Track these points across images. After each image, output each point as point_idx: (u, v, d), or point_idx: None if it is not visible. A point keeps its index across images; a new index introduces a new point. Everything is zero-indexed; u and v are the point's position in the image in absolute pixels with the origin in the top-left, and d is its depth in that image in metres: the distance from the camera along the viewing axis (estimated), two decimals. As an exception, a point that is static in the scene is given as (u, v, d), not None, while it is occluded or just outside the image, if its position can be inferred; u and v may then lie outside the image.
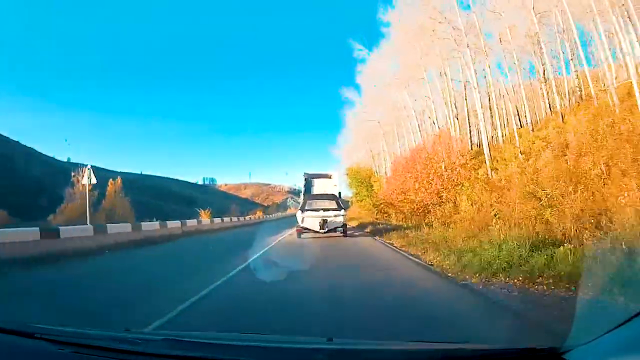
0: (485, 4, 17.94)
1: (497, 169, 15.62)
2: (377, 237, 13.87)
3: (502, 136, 19.29)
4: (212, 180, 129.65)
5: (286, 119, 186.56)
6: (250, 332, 2.32)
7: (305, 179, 17.34)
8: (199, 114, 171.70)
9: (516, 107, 22.46)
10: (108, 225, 11.70)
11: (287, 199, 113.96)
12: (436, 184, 15.34)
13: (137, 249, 11.98)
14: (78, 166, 44.08)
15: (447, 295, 4.79)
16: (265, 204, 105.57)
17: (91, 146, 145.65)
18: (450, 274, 5.75)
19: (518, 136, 16.01)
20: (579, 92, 20.03)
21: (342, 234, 14.28)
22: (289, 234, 16.42)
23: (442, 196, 15.53)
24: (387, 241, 11.83)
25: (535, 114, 25.38)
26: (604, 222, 6.28)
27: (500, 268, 5.03)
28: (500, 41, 20.46)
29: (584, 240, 5.65)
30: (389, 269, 6.99)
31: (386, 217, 19.01)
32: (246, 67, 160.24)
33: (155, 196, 76.84)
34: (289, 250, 11.10)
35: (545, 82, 20.65)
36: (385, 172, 30.87)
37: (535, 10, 18.53)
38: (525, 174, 13.68)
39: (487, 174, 15.58)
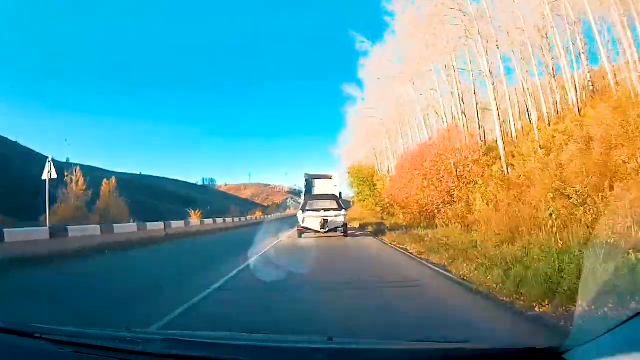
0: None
1: (514, 165, 14.27)
2: (385, 240, 12.35)
3: (515, 131, 17.91)
4: (212, 180, 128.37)
5: (286, 120, 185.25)
6: (250, 332, 2.21)
7: (306, 180, 17.21)
8: (199, 115, 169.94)
9: (525, 102, 21.41)
10: (70, 227, 9.73)
11: (287, 199, 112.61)
12: (447, 182, 13.95)
13: (96, 256, 9.56)
14: (72, 166, 43.04)
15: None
16: (265, 204, 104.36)
17: (92, 147, 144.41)
18: (503, 298, 4.03)
19: (535, 130, 14.57)
20: (590, 87, 18.98)
21: (342, 234, 14.14)
22: (287, 236, 15.01)
23: (453, 195, 14.16)
24: (399, 245, 10.25)
25: (544, 109, 24.24)
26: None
27: (576, 289, 3.51)
28: (508, 34, 19.32)
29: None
30: (413, 286, 5.25)
31: (392, 217, 17.62)
32: (246, 67, 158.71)
33: (153, 196, 75.70)
34: (279, 264, 7.46)
35: (554, 77, 19.76)
36: (388, 171, 29.50)
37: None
38: (548, 170, 12.35)
39: (503, 171, 14.21)
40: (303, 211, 14.21)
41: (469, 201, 13.98)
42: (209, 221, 21.31)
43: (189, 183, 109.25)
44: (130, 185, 75.81)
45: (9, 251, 8.08)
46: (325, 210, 14.07)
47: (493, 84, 15.29)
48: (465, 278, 5.17)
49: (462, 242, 7.78)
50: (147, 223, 13.99)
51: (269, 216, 48.40)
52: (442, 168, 14.16)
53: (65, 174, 40.49)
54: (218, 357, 1.47)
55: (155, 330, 3.15)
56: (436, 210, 14.40)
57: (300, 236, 13.88)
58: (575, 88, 18.61)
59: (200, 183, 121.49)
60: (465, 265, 5.57)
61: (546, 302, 3.44)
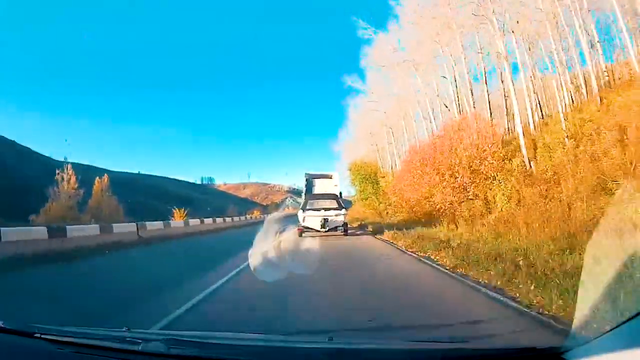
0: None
1: (536, 158, 12.65)
2: (400, 246, 10.01)
3: (532, 123, 16.26)
4: (211, 179, 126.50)
5: (286, 118, 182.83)
6: (250, 332, 2.20)
7: (306, 179, 17.15)
8: (197, 115, 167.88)
9: (535, 94, 19.98)
10: (3, 229, 7.90)
11: (286, 198, 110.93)
12: (463, 177, 12.31)
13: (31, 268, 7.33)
14: (64, 164, 41.38)
15: None
16: (264, 204, 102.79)
17: (92, 147, 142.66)
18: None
19: (561, 119, 12.92)
20: (606, 77, 17.49)
21: (343, 233, 14.06)
22: (281, 240, 13.29)
23: (468, 192, 12.53)
24: (420, 253, 8.02)
25: (558, 101, 22.78)
26: None
27: None
28: (518, 22, 17.80)
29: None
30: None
31: (398, 216, 15.94)
32: (244, 65, 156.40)
33: (152, 196, 74.31)
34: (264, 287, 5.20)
35: (565, 68, 18.43)
36: (391, 168, 27.82)
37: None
38: (581, 162, 10.73)
39: (525, 165, 12.58)
40: (303, 210, 14.06)
41: (487, 199, 12.37)
42: (194, 221, 18.97)
43: (188, 182, 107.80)
44: (129, 184, 74.55)
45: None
46: (326, 209, 13.98)
47: (510, 68, 13.62)
48: (549, 312, 3.31)
49: (502, 249, 6.08)
50: (114, 224, 11.99)
51: (267, 215, 46.38)
52: (457, 162, 12.51)
53: (57, 172, 38.90)
54: (218, 357, 1.44)
55: (156, 330, 3.07)
56: (449, 209, 12.78)
57: (300, 235, 13.47)
58: (598, 77, 17.26)
59: (199, 182, 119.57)
60: (533, 287, 3.73)
61: None
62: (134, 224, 13.22)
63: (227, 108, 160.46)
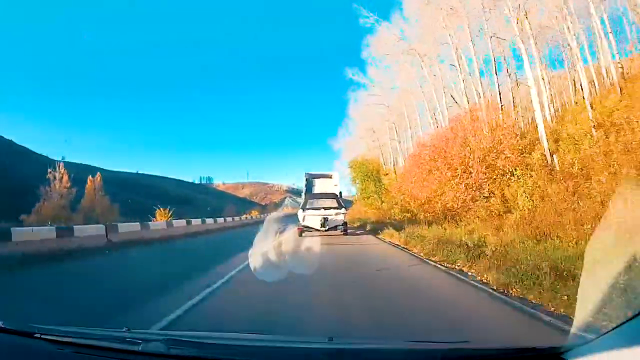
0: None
1: (558, 151, 11.38)
2: (417, 253, 8.28)
3: (549, 115, 15.00)
4: (210, 179, 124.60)
5: (285, 118, 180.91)
6: (250, 332, 2.16)
7: (306, 179, 17.06)
8: (195, 115, 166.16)
9: (550, 84, 18.81)
10: None
11: (285, 198, 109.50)
12: (478, 173, 11.02)
13: None
14: (55, 162, 40.05)
15: None
16: (263, 203, 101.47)
17: (91, 147, 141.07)
18: None
19: (587, 106, 11.62)
20: (620, 69, 16.32)
21: (342, 232, 13.98)
22: (281, 241, 11.93)
23: (483, 189, 11.25)
24: (447, 264, 6.39)
25: (562, 96, 21.65)
26: None
27: None
28: (527, 14, 16.61)
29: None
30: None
31: (404, 216, 14.61)
32: (242, 65, 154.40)
33: (149, 195, 72.71)
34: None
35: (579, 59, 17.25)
36: (394, 165, 26.51)
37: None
38: (614, 154, 9.47)
39: (545, 158, 11.31)
40: (303, 210, 13.99)
41: (504, 197, 11.09)
42: (179, 223, 16.95)
43: (187, 182, 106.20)
44: (127, 184, 73.27)
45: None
46: (326, 208, 13.93)
47: (527, 53, 12.33)
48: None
49: (555, 257, 4.67)
50: (76, 226, 10.28)
51: (267, 215, 44.92)
52: (471, 156, 11.22)
53: (49, 170, 37.56)
54: (218, 357, 1.43)
55: (155, 331, 2.95)
56: (462, 208, 11.50)
57: (300, 235, 13.19)
58: (607, 71, 16.15)
59: (197, 182, 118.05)
60: None
61: None
62: (102, 225, 11.39)
63: (225, 108, 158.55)
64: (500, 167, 11.25)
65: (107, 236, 10.65)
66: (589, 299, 1.72)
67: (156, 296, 4.60)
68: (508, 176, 11.37)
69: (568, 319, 2.97)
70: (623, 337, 1.07)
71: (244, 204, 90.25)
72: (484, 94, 15.60)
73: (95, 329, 1.76)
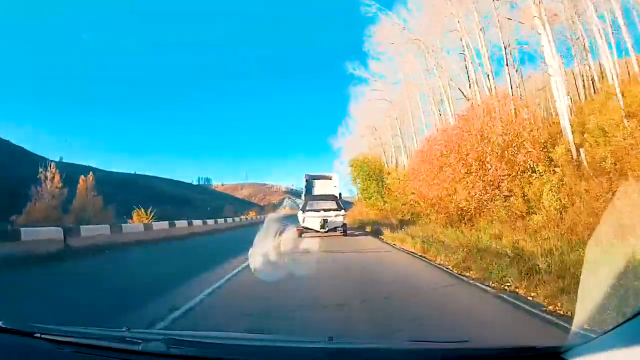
0: None
1: (584, 145, 10.11)
2: (442, 264, 6.53)
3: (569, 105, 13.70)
4: (208, 180, 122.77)
5: (284, 119, 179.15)
6: (250, 332, 2.14)
7: (306, 180, 17.03)
8: (193, 115, 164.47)
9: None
10: None
11: (284, 199, 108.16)
12: (496, 169, 9.75)
13: None
14: (47, 161, 38.73)
15: None
16: (262, 204, 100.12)
17: (91, 148, 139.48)
18: None
19: (617, 92, 10.34)
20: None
21: (342, 234, 13.86)
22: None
23: (501, 187, 9.98)
24: (493, 283, 4.66)
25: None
26: None
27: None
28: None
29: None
30: None
31: (408, 217, 13.31)
32: (243, 66, 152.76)
33: (147, 196, 71.32)
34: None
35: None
36: (396, 163, 25.20)
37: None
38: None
39: (571, 153, 10.04)
40: (303, 211, 13.96)
41: (525, 196, 9.82)
42: (161, 225, 14.91)
43: (185, 183, 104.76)
44: (125, 185, 71.90)
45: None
46: (325, 210, 13.81)
47: (548, 34, 11.06)
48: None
49: None
50: (24, 229, 8.89)
51: (266, 216, 43.36)
52: (488, 150, 9.95)
53: (40, 170, 36.18)
54: (218, 357, 1.41)
55: (156, 330, 2.94)
56: (477, 209, 10.23)
57: (300, 236, 12.95)
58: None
59: (195, 183, 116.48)
60: None
61: None
62: (60, 228, 9.66)
63: (223, 109, 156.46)
64: (521, 163, 9.99)
65: (65, 241, 9.10)
66: (589, 298, 1.67)
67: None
68: (529, 173, 10.11)
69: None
70: (623, 336, 1.04)
71: (243, 205, 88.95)
72: (495, 86, 14.32)
73: (95, 329, 1.70)
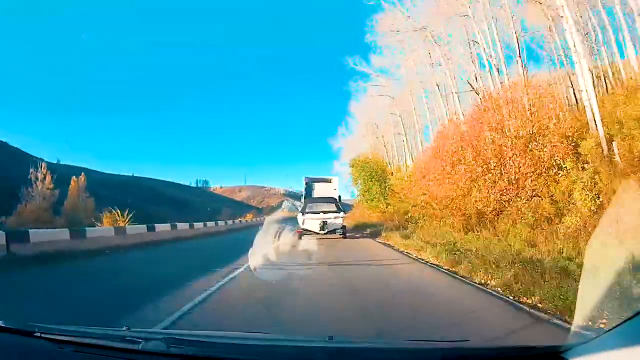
0: None
1: (615, 138, 8.93)
2: (488, 284, 4.76)
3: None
4: (206, 182, 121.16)
5: (282, 119, 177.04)
6: (250, 331, 2.04)
7: (306, 183, 16.98)
8: (191, 116, 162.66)
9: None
10: None
11: (282, 201, 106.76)
12: (519, 166, 8.55)
13: None
14: (38, 160, 37.55)
15: None
16: (260, 207, 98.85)
17: (89, 149, 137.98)
18: None
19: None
20: None
21: (341, 236, 13.79)
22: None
23: (525, 186, 8.78)
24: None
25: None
26: None
27: None
28: None
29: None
30: None
31: (416, 220, 12.06)
32: (240, 65, 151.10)
33: (144, 198, 70.05)
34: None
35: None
36: (398, 162, 23.99)
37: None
38: None
39: (601, 147, 8.85)
40: (303, 213, 13.95)
41: (552, 196, 8.61)
42: (137, 229, 13.03)
43: (183, 185, 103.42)
44: (123, 187, 70.55)
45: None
46: (325, 212, 13.79)
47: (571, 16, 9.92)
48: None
49: None
50: None
51: (261, 219, 41.95)
52: (509, 144, 8.75)
53: (31, 171, 34.93)
54: (218, 356, 1.40)
55: (156, 330, 2.81)
56: (495, 211, 9.02)
57: (300, 238, 13.08)
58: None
59: (194, 185, 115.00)
60: None
61: None
62: (2, 232, 8.21)
63: (222, 109, 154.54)
64: (547, 159, 8.79)
65: (8, 248, 7.65)
66: (588, 298, 1.65)
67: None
68: (555, 170, 8.92)
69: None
70: (623, 336, 1.05)
71: (241, 207, 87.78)
72: (508, 76, 13.16)
73: (96, 328, 1.66)
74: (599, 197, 7.69)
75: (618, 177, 7.94)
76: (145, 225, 14.12)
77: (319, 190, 16.72)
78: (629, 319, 1.06)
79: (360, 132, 27.21)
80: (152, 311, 3.92)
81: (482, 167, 8.91)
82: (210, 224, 22.37)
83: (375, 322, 3.52)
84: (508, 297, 4.05)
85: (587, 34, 17.28)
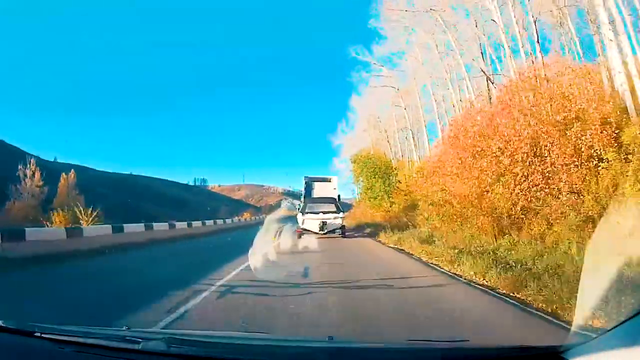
0: None
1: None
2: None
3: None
4: (204, 181, 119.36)
5: (282, 117, 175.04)
6: (250, 331, 2.08)
7: (305, 183, 16.87)
8: (189, 116, 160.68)
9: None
10: None
11: (281, 200, 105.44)
12: (557, 156, 7.23)
13: None
14: (27, 156, 36.14)
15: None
16: (259, 206, 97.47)
17: (87, 148, 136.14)
18: None
19: None
20: None
21: (341, 236, 13.78)
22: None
23: (561, 181, 7.45)
24: None
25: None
26: None
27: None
28: None
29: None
30: None
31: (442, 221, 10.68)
32: (238, 65, 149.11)
33: (142, 197, 68.77)
34: None
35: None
36: (401, 160, 22.66)
37: None
38: None
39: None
40: (303, 214, 13.93)
41: (597, 194, 7.28)
42: (103, 229, 10.73)
43: (181, 184, 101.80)
44: (120, 185, 69.08)
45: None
46: (324, 212, 13.78)
47: None
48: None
49: None
50: None
51: (259, 217, 40.58)
52: (543, 133, 7.41)
53: (19, 167, 33.44)
54: (218, 357, 1.39)
55: (156, 329, 2.84)
56: (523, 209, 7.69)
57: (299, 237, 12.75)
58: None
59: (192, 183, 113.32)
60: None
61: None
62: None
63: (220, 108, 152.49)
64: (584, 149, 7.47)
65: None
66: (588, 298, 1.65)
67: None
68: (595, 162, 7.61)
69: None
70: (622, 336, 1.03)
71: (239, 206, 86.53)
72: (533, 59, 11.82)
73: (96, 328, 1.66)
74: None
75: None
76: (109, 226, 11.65)
77: (319, 189, 16.57)
78: (629, 319, 1.04)
79: (362, 126, 25.76)
80: None
81: (517, 157, 7.55)
82: (195, 223, 19.90)
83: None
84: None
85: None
